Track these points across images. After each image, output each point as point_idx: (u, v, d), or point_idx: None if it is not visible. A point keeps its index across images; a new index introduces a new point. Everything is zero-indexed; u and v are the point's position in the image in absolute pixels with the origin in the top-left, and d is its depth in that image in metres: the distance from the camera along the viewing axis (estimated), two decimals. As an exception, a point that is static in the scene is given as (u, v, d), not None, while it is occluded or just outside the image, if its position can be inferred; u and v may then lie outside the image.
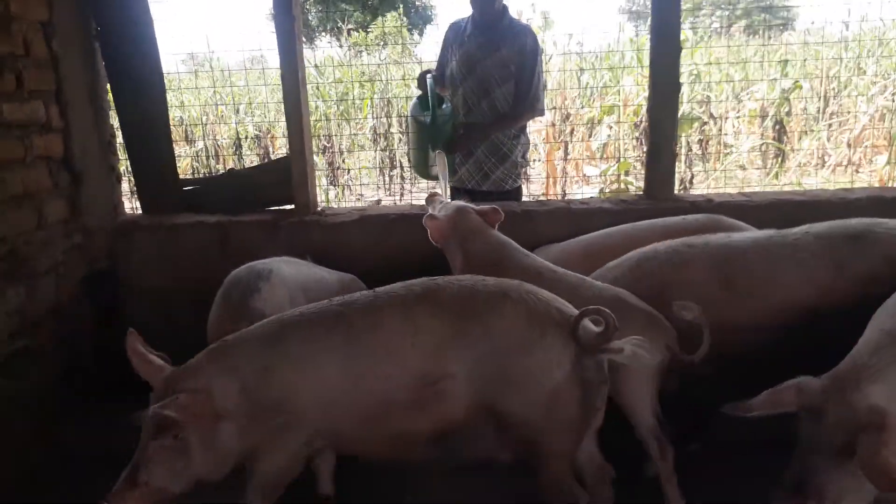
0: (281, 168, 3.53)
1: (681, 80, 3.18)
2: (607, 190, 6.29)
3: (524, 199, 4.01)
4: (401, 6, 24.60)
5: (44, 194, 3.00)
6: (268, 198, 3.57)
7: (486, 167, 3.69)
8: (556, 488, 1.94)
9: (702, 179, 7.78)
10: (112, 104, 3.50)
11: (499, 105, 3.59)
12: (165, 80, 3.53)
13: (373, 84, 9.60)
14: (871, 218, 2.32)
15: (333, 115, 9.52)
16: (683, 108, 7.57)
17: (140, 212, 3.66)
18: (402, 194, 8.46)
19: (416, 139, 3.60)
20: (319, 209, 3.50)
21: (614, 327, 1.76)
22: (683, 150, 7.71)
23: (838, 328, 1.90)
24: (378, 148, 9.08)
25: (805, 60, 8.99)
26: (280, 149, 9.34)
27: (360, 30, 11.18)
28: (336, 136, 9.43)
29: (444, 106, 3.56)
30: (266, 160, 8.34)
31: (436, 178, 3.71)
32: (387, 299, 1.95)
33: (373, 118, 9.28)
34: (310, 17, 27.22)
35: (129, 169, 3.66)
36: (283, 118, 3.43)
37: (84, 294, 3.20)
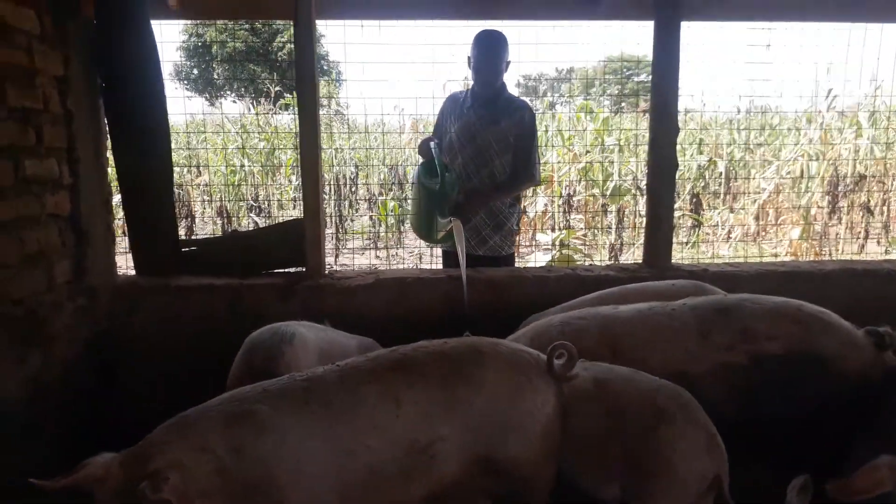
0: (289, 230, 3.50)
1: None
2: (557, 255, 6.58)
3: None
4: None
5: (54, 254, 2.84)
6: (274, 260, 3.52)
7: (483, 233, 3.83)
8: None
9: (629, 247, 8.26)
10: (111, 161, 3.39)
11: (497, 174, 3.77)
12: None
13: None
14: (753, 295, 2.61)
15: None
16: (615, 181, 8.10)
17: (133, 272, 3.50)
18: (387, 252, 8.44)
19: (423, 204, 3.68)
20: (328, 272, 3.49)
21: (577, 356, 1.99)
22: (614, 221, 8.19)
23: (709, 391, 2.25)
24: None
25: (701, 142, 9.86)
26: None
27: (288, 93, 11.21)
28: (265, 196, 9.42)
29: (446, 173, 3.67)
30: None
31: (439, 242, 3.80)
32: (356, 374, 1.93)
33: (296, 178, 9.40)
34: (215, 76, 26.90)
35: (124, 228, 3.51)
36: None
37: (88, 357, 3.01)
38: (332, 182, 9.02)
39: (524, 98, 4.03)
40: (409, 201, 9.07)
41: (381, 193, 9.51)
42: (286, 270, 3.53)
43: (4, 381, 2.41)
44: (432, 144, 3.70)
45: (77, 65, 3.02)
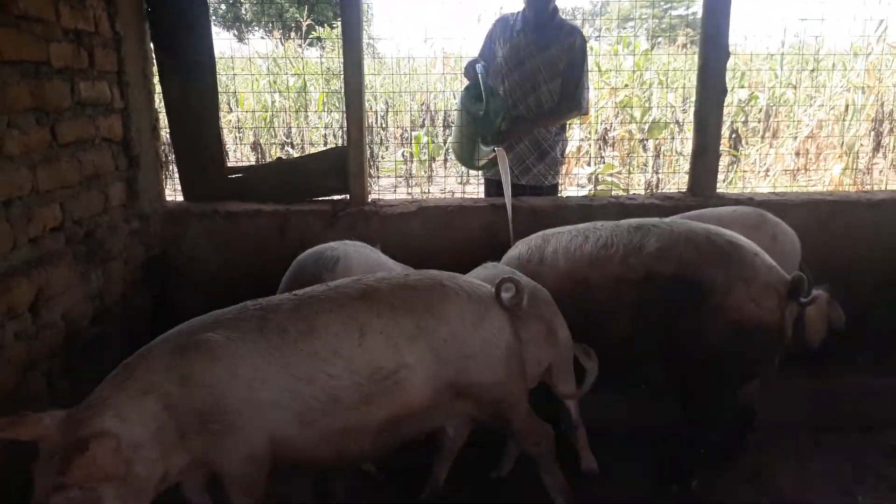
0: (333, 158, 3.52)
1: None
2: (592, 190, 6.52)
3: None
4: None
5: (108, 177, 2.90)
6: (318, 187, 3.55)
7: (527, 161, 3.80)
8: (530, 426, 2.22)
9: (666, 183, 8.15)
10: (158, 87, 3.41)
11: (544, 101, 3.71)
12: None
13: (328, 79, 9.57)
14: (686, 220, 2.65)
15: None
16: (654, 114, 7.94)
17: (181, 198, 3.57)
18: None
19: (466, 130, 3.65)
20: (370, 200, 3.52)
21: (523, 290, 2.11)
22: (651, 157, 8.07)
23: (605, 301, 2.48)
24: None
25: (742, 75, 9.56)
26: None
27: (325, 24, 11.05)
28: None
29: (492, 98, 3.59)
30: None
31: (481, 169, 3.79)
32: (314, 303, 1.96)
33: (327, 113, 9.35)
34: (243, 11, 26.51)
35: (171, 154, 3.56)
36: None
37: (143, 280, 3.11)
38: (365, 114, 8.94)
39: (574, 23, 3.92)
40: (440, 136, 9.05)
41: (412, 129, 9.43)
42: (330, 198, 3.57)
43: (72, 295, 2.50)
44: (479, 67, 3.61)
45: (123, -12, 3.02)
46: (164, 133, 3.60)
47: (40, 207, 2.37)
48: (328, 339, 1.90)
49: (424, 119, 9.48)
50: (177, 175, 3.57)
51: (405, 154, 9.25)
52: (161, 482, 1.76)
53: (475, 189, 7.77)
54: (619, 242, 2.48)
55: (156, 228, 3.23)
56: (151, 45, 3.31)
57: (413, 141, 8.74)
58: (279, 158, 3.71)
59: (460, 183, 8.42)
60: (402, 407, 1.98)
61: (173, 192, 3.88)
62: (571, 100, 3.68)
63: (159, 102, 3.42)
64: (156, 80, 3.40)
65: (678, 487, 2.50)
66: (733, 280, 2.28)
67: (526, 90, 3.72)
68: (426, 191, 8.36)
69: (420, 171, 8.81)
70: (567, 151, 7.96)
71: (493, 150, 3.50)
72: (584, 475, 2.56)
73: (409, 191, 8.46)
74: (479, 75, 3.56)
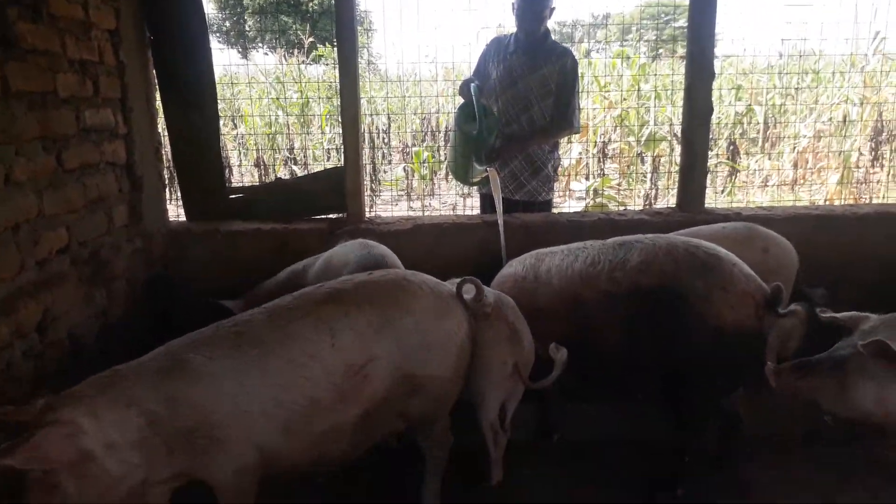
0: (331, 177, 3.63)
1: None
2: (591, 203, 6.61)
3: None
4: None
5: (112, 199, 3.01)
6: (316, 206, 3.67)
7: (521, 177, 3.90)
8: (446, 428, 2.34)
9: (665, 195, 8.23)
10: (160, 111, 3.53)
11: (536, 119, 3.81)
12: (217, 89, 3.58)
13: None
14: (666, 235, 2.73)
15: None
16: (651, 128, 8.03)
17: (183, 219, 3.68)
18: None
19: (460, 149, 3.73)
20: (367, 218, 3.62)
21: (482, 289, 2.23)
22: (649, 168, 8.15)
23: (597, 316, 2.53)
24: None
25: (740, 87, 9.65)
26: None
27: (327, 43, 11.21)
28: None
29: (485, 117, 3.67)
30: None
31: (475, 185, 3.89)
32: (284, 312, 2.05)
33: (330, 130, 9.50)
34: (246, 28, 26.82)
35: (174, 176, 3.68)
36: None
37: (145, 298, 3.21)
38: (364, 133, 9.05)
39: (565, 45, 4.03)
40: (442, 151, 9.15)
41: (413, 144, 9.55)
42: (327, 216, 3.67)
43: (77, 314, 2.60)
44: (472, 87, 3.68)
45: (127, 18, 3.15)
46: (166, 153, 3.72)
47: (47, 231, 2.48)
48: (303, 344, 1.97)
49: (426, 134, 9.60)
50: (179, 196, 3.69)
51: (406, 168, 9.38)
52: (143, 485, 1.80)
53: (476, 202, 7.89)
54: (605, 259, 2.57)
55: (158, 248, 3.34)
56: (154, 72, 3.44)
57: (413, 157, 8.86)
58: (278, 178, 3.83)
59: (461, 196, 8.53)
60: (371, 400, 2.05)
61: (177, 212, 3.99)
62: (563, 119, 3.78)
63: (162, 126, 3.54)
64: (158, 105, 3.52)
65: (664, 494, 2.58)
66: (712, 288, 2.37)
67: (519, 109, 3.82)
68: (427, 205, 8.47)
69: (421, 187, 8.91)
70: (561, 167, 8.06)
71: (486, 171, 3.59)
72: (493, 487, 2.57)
73: (410, 205, 8.57)
74: (473, 95, 3.65)
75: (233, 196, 3.68)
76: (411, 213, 8.23)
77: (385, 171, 9.82)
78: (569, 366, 2.45)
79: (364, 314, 2.06)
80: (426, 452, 2.35)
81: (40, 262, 2.43)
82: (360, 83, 3.48)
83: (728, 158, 8.67)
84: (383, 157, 9.57)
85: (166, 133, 3.60)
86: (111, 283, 2.89)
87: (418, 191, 8.68)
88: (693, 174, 3.53)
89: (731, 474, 2.75)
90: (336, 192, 3.59)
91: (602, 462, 2.71)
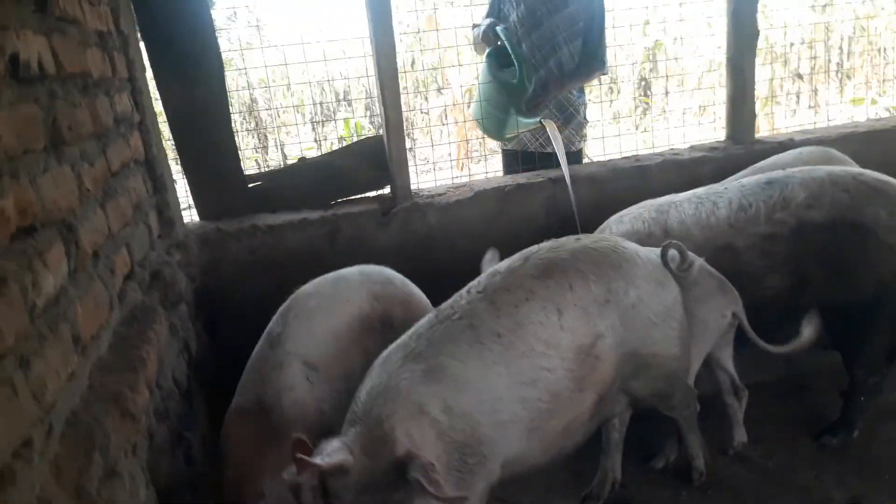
0: (366, 150, 3.17)
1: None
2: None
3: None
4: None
5: (145, 205, 2.42)
6: (353, 184, 3.19)
7: (554, 127, 3.60)
8: (687, 393, 2.18)
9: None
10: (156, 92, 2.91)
11: (566, 63, 3.50)
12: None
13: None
14: (816, 166, 2.58)
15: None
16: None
17: (197, 219, 3.09)
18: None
19: (496, 100, 3.36)
20: (415, 190, 3.21)
21: (687, 254, 2.04)
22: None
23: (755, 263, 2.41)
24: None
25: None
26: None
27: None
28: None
29: (523, 62, 3.30)
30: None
31: (510, 140, 3.56)
32: (505, 295, 1.80)
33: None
34: None
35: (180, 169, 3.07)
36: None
37: (196, 318, 2.66)
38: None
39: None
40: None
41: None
42: (368, 195, 3.22)
43: (171, 353, 2.07)
44: (499, 29, 3.29)
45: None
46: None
47: (115, 254, 1.92)
48: (536, 329, 1.73)
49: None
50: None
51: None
52: None
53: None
54: (756, 201, 2.39)
55: (193, 257, 2.77)
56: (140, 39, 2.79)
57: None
58: (302, 159, 3.29)
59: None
60: (602, 383, 1.84)
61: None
62: (596, 60, 3.49)
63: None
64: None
65: (839, 440, 2.48)
66: (894, 215, 2.25)
67: (546, 52, 3.50)
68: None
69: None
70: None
71: (539, 122, 3.27)
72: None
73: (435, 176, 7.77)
74: (503, 39, 3.28)
75: (252, 185, 3.12)
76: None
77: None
78: None
79: (589, 286, 1.81)
80: (674, 416, 2.19)
81: (120, 296, 1.88)
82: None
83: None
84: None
85: (162, 115, 2.97)
86: (178, 308, 2.33)
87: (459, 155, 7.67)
88: (743, 102, 3.40)
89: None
90: (374, 164, 3.14)
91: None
